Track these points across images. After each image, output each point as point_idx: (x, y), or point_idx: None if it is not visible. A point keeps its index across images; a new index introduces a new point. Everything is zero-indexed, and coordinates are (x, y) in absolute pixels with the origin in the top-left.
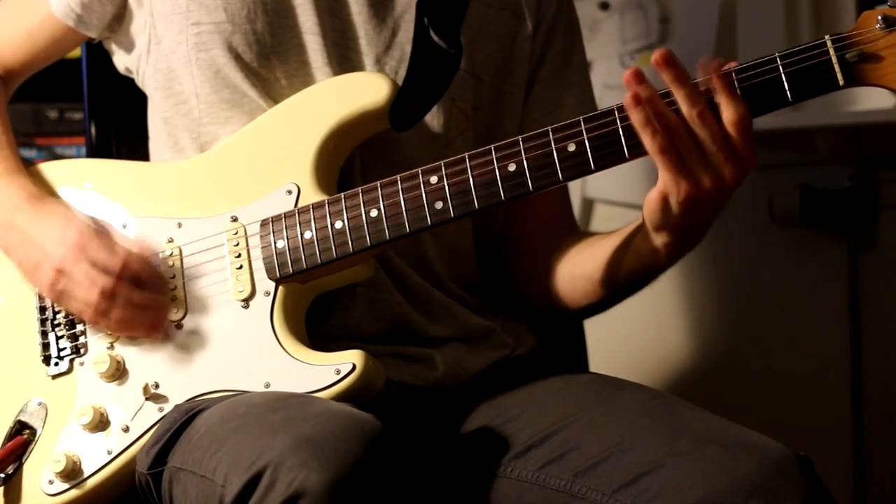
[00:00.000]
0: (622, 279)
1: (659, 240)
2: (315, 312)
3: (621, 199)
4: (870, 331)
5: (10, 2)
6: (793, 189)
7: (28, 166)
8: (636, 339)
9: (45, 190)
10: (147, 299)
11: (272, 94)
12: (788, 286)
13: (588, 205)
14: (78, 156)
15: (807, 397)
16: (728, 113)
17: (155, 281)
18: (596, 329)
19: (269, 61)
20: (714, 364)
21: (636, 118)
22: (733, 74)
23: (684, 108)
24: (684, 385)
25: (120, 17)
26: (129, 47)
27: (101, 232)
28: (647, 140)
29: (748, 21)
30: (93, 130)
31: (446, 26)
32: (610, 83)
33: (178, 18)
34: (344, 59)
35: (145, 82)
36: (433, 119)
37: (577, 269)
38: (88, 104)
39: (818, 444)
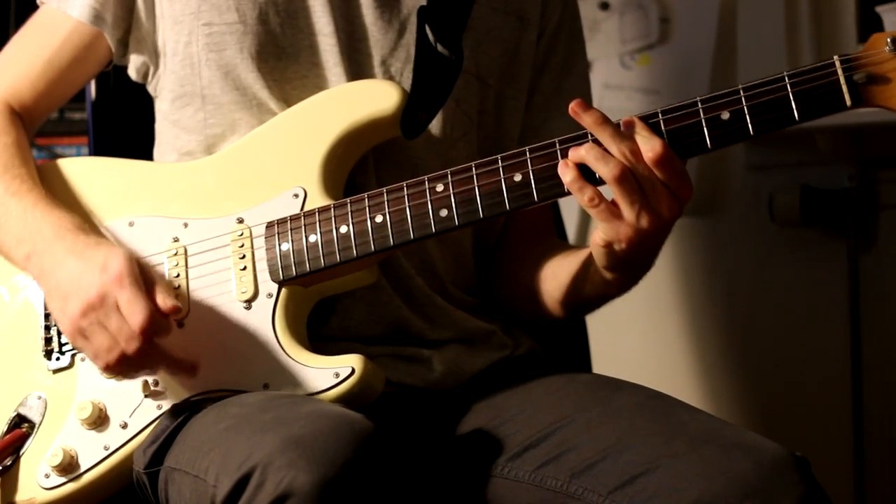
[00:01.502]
0: (580, 303)
1: (609, 275)
2: (315, 314)
3: None
4: (870, 331)
5: (24, 37)
6: (793, 189)
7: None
8: (637, 339)
9: (90, 224)
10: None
11: (283, 95)
12: (788, 286)
13: None
14: (78, 156)
15: (807, 397)
16: (646, 150)
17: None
18: (598, 330)
19: (280, 62)
20: (714, 364)
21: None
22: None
23: (612, 148)
24: (684, 385)
25: (130, 14)
26: (139, 50)
27: (145, 274)
28: (580, 199)
29: (748, 21)
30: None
31: (447, 33)
32: (610, 83)
33: (188, 19)
34: (352, 60)
35: (155, 84)
36: (437, 121)
37: (544, 286)
38: (92, 105)
39: (818, 445)
